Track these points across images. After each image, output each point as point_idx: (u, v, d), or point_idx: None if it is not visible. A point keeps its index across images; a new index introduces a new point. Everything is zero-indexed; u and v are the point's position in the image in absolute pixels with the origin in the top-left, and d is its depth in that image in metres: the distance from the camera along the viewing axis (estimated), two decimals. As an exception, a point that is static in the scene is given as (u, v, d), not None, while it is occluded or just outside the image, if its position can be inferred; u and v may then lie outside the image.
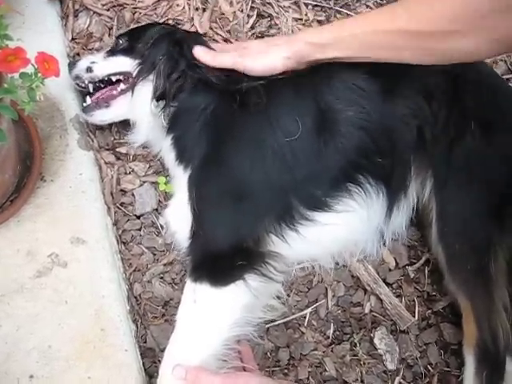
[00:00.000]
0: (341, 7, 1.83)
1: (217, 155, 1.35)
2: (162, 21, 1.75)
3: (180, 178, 1.39)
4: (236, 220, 1.31)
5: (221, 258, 1.29)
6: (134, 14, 1.76)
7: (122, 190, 1.58)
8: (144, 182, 1.58)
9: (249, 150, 1.34)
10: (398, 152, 1.36)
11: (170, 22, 1.76)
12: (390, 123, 1.35)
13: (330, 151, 1.33)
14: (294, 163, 1.32)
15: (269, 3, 1.80)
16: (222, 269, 1.28)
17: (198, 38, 1.53)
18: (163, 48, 1.45)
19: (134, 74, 1.46)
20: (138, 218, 1.56)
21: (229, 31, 1.76)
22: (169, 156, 1.45)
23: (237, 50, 1.45)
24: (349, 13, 1.82)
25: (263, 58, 1.38)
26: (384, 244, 1.50)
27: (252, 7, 1.80)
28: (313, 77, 1.38)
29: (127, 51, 1.51)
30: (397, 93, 1.36)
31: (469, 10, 1.09)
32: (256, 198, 1.32)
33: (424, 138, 1.36)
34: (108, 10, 1.76)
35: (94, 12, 1.75)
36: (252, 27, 1.78)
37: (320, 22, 1.80)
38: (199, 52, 1.43)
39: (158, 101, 1.44)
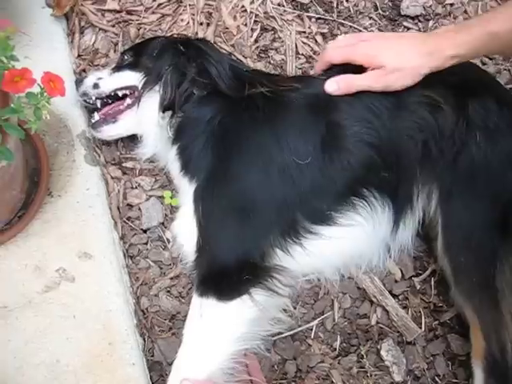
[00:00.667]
0: (344, 19, 1.83)
1: (223, 169, 1.36)
2: (163, 35, 1.76)
3: (186, 191, 1.40)
4: (241, 234, 1.32)
5: (227, 273, 1.29)
6: (139, 30, 1.78)
7: (128, 205, 1.59)
8: (150, 196, 1.60)
9: (255, 165, 1.35)
10: (403, 166, 1.36)
11: (168, 35, 1.77)
12: (396, 138, 1.35)
13: (335, 166, 1.33)
14: (299, 177, 1.32)
15: (272, 17, 1.82)
16: (228, 283, 1.29)
17: (203, 43, 1.54)
18: (168, 58, 1.46)
19: (140, 86, 1.48)
20: (145, 232, 1.57)
21: (233, 45, 1.77)
22: (174, 167, 1.46)
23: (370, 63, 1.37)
24: (352, 25, 1.82)
25: (405, 80, 1.33)
26: (390, 256, 1.49)
27: (256, 21, 1.81)
28: (321, 92, 1.39)
29: (132, 66, 1.53)
30: (402, 107, 1.36)
31: None
32: (261, 212, 1.32)
33: (430, 152, 1.35)
34: (113, 26, 1.79)
35: (100, 29, 1.77)
36: (256, 41, 1.80)
37: (323, 35, 1.81)
38: (331, 87, 1.38)
39: (164, 112, 1.45)
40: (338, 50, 1.41)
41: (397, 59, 1.32)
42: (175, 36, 1.74)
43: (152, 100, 1.46)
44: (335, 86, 1.36)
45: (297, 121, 1.37)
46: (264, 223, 1.32)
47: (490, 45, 1.30)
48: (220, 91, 1.41)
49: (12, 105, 1.08)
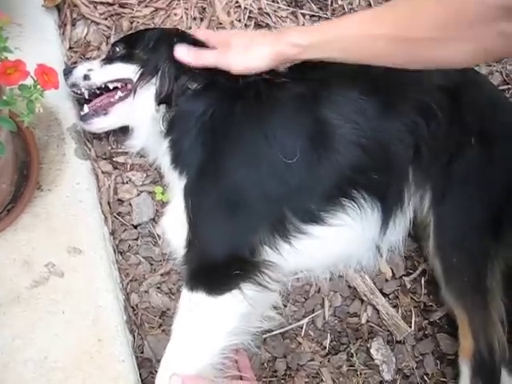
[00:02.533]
0: (338, 17, 1.83)
1: (212, 164, 1.35)
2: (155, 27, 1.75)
3: (175, 185, 1.40)
4: (231, 230, 1.32)
5: (216, 267, 1.29)
6: (131, 23, 1.77)
7: (119, 200, 1.58)
8: (141, 191, 1.58)
9: (244, 161, 1.34)
10: (393, 168, 1.37)
11: (162, 27, 1.76)
12: (386, 140, 1.36)
13: (324, 166, 1.33)
14: (289, 176, 1.32)
15: (266, 13, 1.81)
16: (218, 278, 1.29)
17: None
18: (165, 51, 1.45)
19: (136, 79, 1.46)
20: (135, 227, 1.56)
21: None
22: (165, 160, 1.45)
23: (219, 44, 1.43)
24: (346, 23, 1.82)
25: (246, 57, 1.36)
26: (380, 256, 1.50)
27: (250, 17, 1.81)
28: (311, 90, 1.38)
29: (125, 58, 1.51)
30: (393, 110, 1.36)
31: (455, 18, 1.08)
32: (250, 208, 1.32)
33: (421, 155, 1.36)
34: (106, 19, 1.77)
35: (92, 21, 1.75)
36: (248, 31, 1.79)
37: (317, 32, 1.81)
38: (181, 52, 1.42)
39: (159, 105, 1.43)
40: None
41: (244, 40, 1.38)
42: (168, 28, 1.73)
43: (147, 93, 1.44)
44: (185, 50, 1.41)
45: (285, 117, 1.37)
46: (253, 219, 1.32)
47: (335, 47, 1.28)
48: (213, 85, 1.41)
49: (4, 97, 1.06)
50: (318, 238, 1.36)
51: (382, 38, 1.19)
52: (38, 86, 1.05)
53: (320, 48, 1.29)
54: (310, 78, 1.42)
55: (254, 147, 1.35)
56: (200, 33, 1.51)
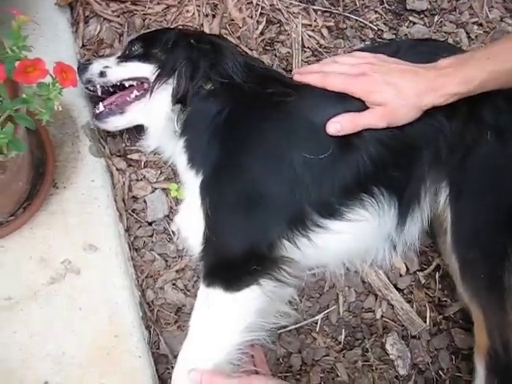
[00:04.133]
0: (349, 13, 1.84)
1: (231, 161, 1.35)
2: (171, 27, 1.76)
3: (191, 183, 1.40)
4: (249, 225, 1.32)
5: (234, 263, 1.29)
6: (144, 21, 1.77)
7: (133, 197, 1.59)
8: (155, 188, 1.59)
9: (264, 158, 1.35)
10: (414, 166, 1.37)
11: (180, 28, 1.76)
12: (408, 138, 1.36)
13: (347, 162, 1.33)
14: (310, 172, 1.32)
15: (278, 9, 1.81)
16: (236, 274, 1.29)
17: (216, 37, 1.54)
18: (182, 52, 1.45)
19: (153, 78, 1.46)
20: (150, 224, 1.57)
21: (238, 37, 1.77)
22: (180, 160, 1.45)
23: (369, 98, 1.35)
24: (357, 19, 1.83)
25: (404, 116, 1.33)
26: (396, 252, 1.50)
27: (261, 13, 1.81)
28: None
29: (142, 57, 1.52)
30: None
31: None
32: (270, 204, 1.32)
33: (440, 152, 1.36)
34: (118, 16, 1.77)
35: (105, 18, 1.76)
36: (261, 33, 1.79)
37: (329, 28, 1.81)
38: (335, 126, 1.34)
39: (174, 104, 1.44)
40: (339, 80, 1.37)
41: (397, 98, 1.31)
42: (186, 29, 1.73)
43: (164, 93, 1.45)
44: (338, 126, 1.32)
45: (309, 116, 1.37)
46: (272, 215, 1.32)
47: (492, 83, 1.30)
48: (229, 85, 1.41)
49: (24, 95, 1.06)
50: (336, 233, 1.36)
51: None
52: (57, 84, 1.06)
53: (479, 89, 1.31)
54: None
55: (274, 145, 1.35)
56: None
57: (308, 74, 1.43)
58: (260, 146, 1.35)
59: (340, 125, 1.32)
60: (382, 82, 1.32)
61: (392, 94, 1.30)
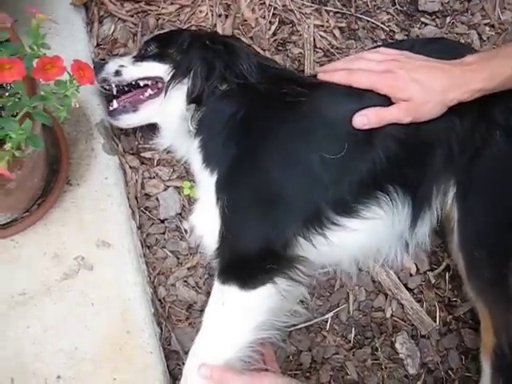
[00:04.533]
0: (361, 14, 1.84)
1: (247, 161, 1.36)
2: (185, 27, 1.78)
3: (206, 183, 1.41)
4: (265, 224, 1.33)
5: (250, 262, 1.31)
6: (157, 21, 1.79)
7: (146, 195, 1.60)
8: (168, 186, 1.61)
9: (281, 157, 1.35)
10: (427, 164, 1.38)
11: (193, 28, 1.79)
12: (423, 136, 1.36)
13: (364, 160, 1.34)
14: (327, 170, 1.33)
15: (290, 10, 1.82)
16: (252, 272, 1.30)
17: (231, 39, 1.56)
18: (197, 52, 1.47)
19: (168, 78, 1.48)
20: (162, 222, 1.58)
21: (251, 37, 1.78)
22: (195, 159, 1.46)
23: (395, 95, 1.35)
24: (369, 20, 1.83)
25: (430, 111, 1.34)
26: (407, 252, 1.50)
27: (274, 14, 1.82)
28: (353, 87, 1.39)
29: (158, 57, 1.54)
30: None
31: None
32: (286, 202, 1.33)
33: (452, 151, 1.37)
34: (132, 16, 1.79)
35: (119, 18, 1.78)
36: (274, 34, 1.80)
37: (341, 29, 1.82)
38: (362, 120, 1.35)
39: (189, 104, 1.46)
40: (365, 77, 1.38)
41: (423, 93, 1.32)
42: (201, 30, 1.75)
43: (179, 92, 1.47)
44: (365, 120, 1.33)
45: (325, 115, 1.38)
46: (288, 214, 1.33)
47: None
48: (244, 86, 1.42)
49: (42, 92, 1.08)
50: (352, 231, 1.36)
51: None
52: (74, 81, 1.07)
53: (502, 86, 1.32)
54: None
55: (290, 144, 1.36)
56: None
57: (333, 73, 1.43)
58: (276, 147, 1.36)
59: (367, 118, 1.33)
60: (408, 78, 1.33)
61: (418, 90, 1.31)
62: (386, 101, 1.35)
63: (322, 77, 1.46)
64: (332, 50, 1.79)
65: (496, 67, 1.30)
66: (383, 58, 1.41)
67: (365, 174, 1.35)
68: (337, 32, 1.82)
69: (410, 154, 1.36)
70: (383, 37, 1.82)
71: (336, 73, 1.42)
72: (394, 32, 1.83)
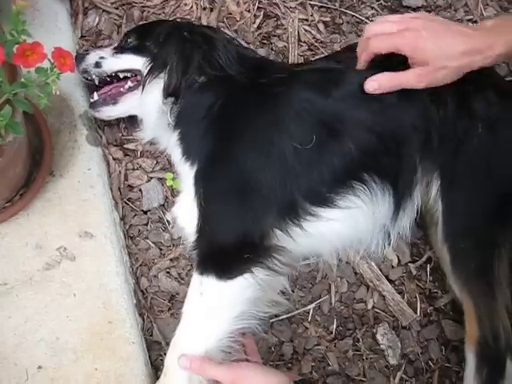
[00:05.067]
0: (346, 8, 1.85)
1: (223, 151, 1.37)
2: (169, 19, 1.77)
3: (186, 175, 1.41)
4: (241, 215, 1.33)
5: (227, 252, 1.31)
6: (142, 13, 1.79)
7: (129, 186, 1.60)
8: (151, 178, 1.61)
9: (255, 148, 1.36)
10: (405, 154, 1.38)
11: (175, 19, 1.78)
12: (398, 125, 1.37)
13: (335, 149, 1.34)
14: (300, 160, 1.33)
15: (275, 4, 1.83)
16: (229, 262, 1.30)
17: (209, 29, 1.55)
18: (174, 45, 1.47)
19: (145, 72, 1.48)
20: (145, 213, 1.58)
21: (236, 31, 1.78)
22: (175, 152, 1.47)
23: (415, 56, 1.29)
24: (354, 14, 1.85)
25: (445, 77, 1.29)
26: (389, 244, 1.51)
27: (259, 7, 1.83)
28: (325, 78, 1.40)
29: (137, 49, 1.54)
30: (406, 95, 1.36)
31: None
32: (261, 193, 1.33)
33: (431, 141, 1.37)
34: (117, 8, 1.79)
35: (103, 10, 1.78)
36: (259, 27, 1.81)
37: (325, 23, 1.83)
38: (373, 84, 1.32)
39: (166, 98, 1.46)
40: (384, 39, 1.33)
41: (442, 57, 1.28)
42: (180, 21, 1.75)
43: (156, 86, 1.47)
44: (376, 84, 1.31)
45: (297, 105, 1.38)
46: (263, 204, 1.34)
47: None
48: (221, 77, 1.43)
49: (22, 79, 1.08)
50: (328, 221, 1.37)
51: None
52: (55, 69, 1.08)
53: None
54: (322, 67, 1.44)
55: (264, 135, 1.36)
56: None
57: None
58: (251, 137, 1.36)
59: (378, 83, 1.31)
60: (429, 39, 1.28)
61: (437, 53, 1.27)
62: (360, 90, 1.35)
63: (358, 66, 1.39)
64: (316, 44, 1.80)
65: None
66: (403, 18, 1.36)
67: (336, 164, 1.35)
68: (321, 26, 1.83)
69: (383, 142, 1.36)
70: (367, 31, 1.83)
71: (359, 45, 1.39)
72: (378, 27, 1.84)
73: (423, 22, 1.32)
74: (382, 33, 1.33)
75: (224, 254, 1.32)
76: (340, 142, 1.34)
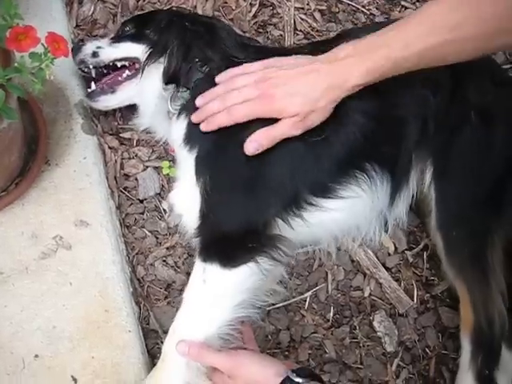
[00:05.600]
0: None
1: (231, 138, 1.35)
2: (165, 8, 1.76)
3: (185, 160, 1.40)
4: (247, 204, 1.33)
5: (231, 240, 1.30)
6: (137, 2, 1.78)
7: (125, 175, 1.60)
8: (147, 166, 1.60)
9: None
10: (403, 141, 1.38)
11: (174, 9, 1.77)
12: (398, 113, 1.37)
13: (339, 140, 1.34)
14: (305, 151, 1.33)
15: (271, -9, 1.83)
16: (234, 250, 1.30)
17: (212, 20, 1.55)
18: (175, 32, 1.46)
19: (145, 57, 1.47)
20: (141, 202, 1.58)
21: (232, 19, 1.78)
22: (176, 139, 1.45)
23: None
24: (350, 3, 1.84)
25: (318, 117, 1.29)
26: (386, 231, 1.51)
27: (254, -5, 1.82)
28: None
29: (134, 37, 1.53)
30: (404, 83, 1.35)
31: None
32: (266, 183, 1.33)
33: (427, 128, 1.38)
34: (112, -3, 1.78)
35: (98, -1, 1.77)
36: (254, 16, 1.80)
37: (321, 12, 1.83)
38: (253, 145, 1.30)
39: (167, 84, 1.45)
40: (244, 108, 1.31)
41: (306, 105, 1.26)
42: (181, 10, 1.74)
43: (155, 71, 1.46)
44: (256, 145, 1.29)
45: None
46: (270, 194, 1.33)
47: (399, 68, 1.22)
48: (227, 65, 1.40)
49: (16, 64, 1.08)
50: (330, 211, 1.37)
51: (441, 45, 1.17)
52: (49, 54, 1.07)
53: (382, 77, 1.25)
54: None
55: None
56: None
57: (213, 119, 1.34)
58: (257, 127, 1.32)
59: (258, 142, 1.29)
60: (283, 95, 1.28)
61: (299, 103, 1.26)
62: None
63: (203, 128, 1.36)
64: (312, 33, 1.80)
65: (371, 61, 1.22)
66: (253, 79, 1.33)
67: (341, 154, 1.36)
68: (317, 15, 1.82)
69: (385, 129, 1.37)
70: (363, 20, 1.83)
71: (215, 118, 1.34)
72: (374, 15, 1.84)
73: (273, 79, 1.30)
74: (241, 101, 1.31)
75: (228, 242, 1.31)
76: (345, 131, 1.34)
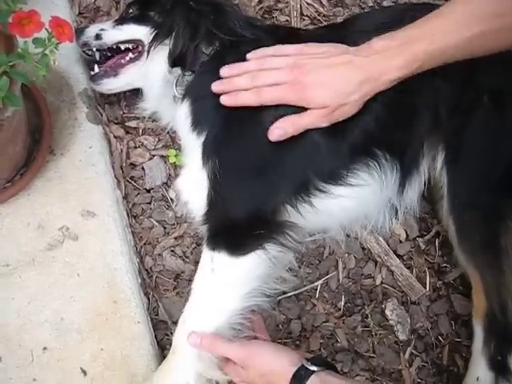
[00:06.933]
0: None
1: (238, 126, 1.32)
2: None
3: (194, 146, 1.37)
4: (255, 190, 1.31)
5: (240, 227, 1.28)
6: (141, -12, 1.75)
7: (131, 164, 1.58)
8: (153, 155, 1.58)
9: (274, 120, 1.29)
10: (415, 128, 1.36)
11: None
12: (409, 100, 1.34)
13: (352, 126, 1.31)
14: (317, 137, 1.30)
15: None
16: (242, 238, 1.28)
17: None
18: (180, 13, 1.43)
19: (150, 39, 1.44)
20: (148, 191, 1.56)
21: (237, 5, 1.74)
22: (182, 124, 1.41)
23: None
24: (358, -11, 1.81)
25: (347, 111, 1.27)
26: (396, 218, 1.49)
27: (256, -19, 1.79)
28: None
29: (138, 19, 1.50)
30: None
31: None
32: (275, 170, 1.31)
33: (439, 114, 1.35)
34: (115, -17, 1.75)
35: (101, -14, 1.74)
36: (260, 1, 1.77)
37: (327, -3, 1.80)
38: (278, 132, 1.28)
39: (172, 67, 1.42)
40: (274, 91, 1.29)
41: (335, 98, 1.24)
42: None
43: (161, 53, 1.43)
44: (281, 132, 1.27)
45: None
46: (277, 180, 1.31)
47: (437, 60, 1.23)
48: (232, 46, 1.38)
49: (19, 49, 1.05)
50: (339, 198, 1.35)
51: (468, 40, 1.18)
52: (53, 39, 1.04)
53: (419, 70, 1.24)
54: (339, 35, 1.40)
55: (281, 111, 1.30)
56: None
57: (240, 95, 1.31)
58: (267, 113, 1.30)
59: (283, 129, 1.27)
60: (316, 84, 1.25)
61: (329, 94, 1.24)
62: None
63: (225, 101, 1.31)
64: (319, 18, 1.77)
65: (409, 53, 1.21)
66: (285, 63, 1.30)
67: (353, 141, 1.33)
68: (326, 2, 1.79)
69: (397, 116, 1.34)
70: (371, 4, 1.80)
71: (243, 95, 1.30)
72: (381, -1, 1.81)
73: (305, 67, 1.27)
74: (271, 83, 1.29)
75: (236, 229, 1.29)
76: (358, 118, 1.31)
